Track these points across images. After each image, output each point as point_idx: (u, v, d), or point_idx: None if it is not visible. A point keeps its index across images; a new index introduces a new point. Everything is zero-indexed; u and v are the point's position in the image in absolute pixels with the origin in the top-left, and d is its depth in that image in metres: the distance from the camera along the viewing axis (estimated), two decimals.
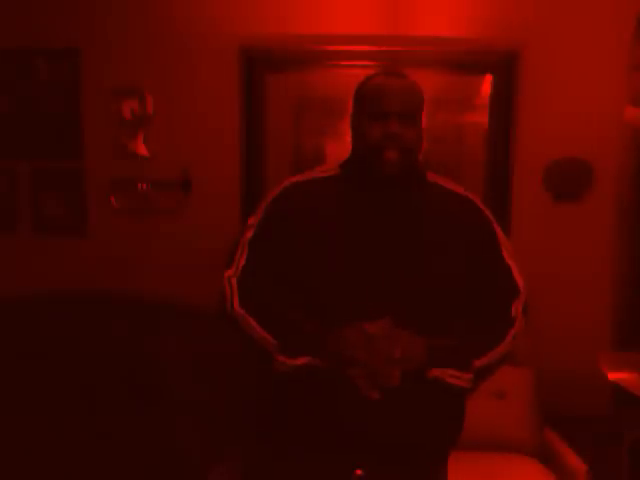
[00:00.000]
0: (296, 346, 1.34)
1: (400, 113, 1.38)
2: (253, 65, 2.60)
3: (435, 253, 1.40)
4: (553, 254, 2.61)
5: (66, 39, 2.61)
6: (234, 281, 1.41)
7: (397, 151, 1.38)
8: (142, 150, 2.63)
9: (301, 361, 1.33)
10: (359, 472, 1.36)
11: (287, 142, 2.66)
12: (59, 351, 2.29)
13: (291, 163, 2.65)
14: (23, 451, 2.18)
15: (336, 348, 1.31)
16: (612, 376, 2.12)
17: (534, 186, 2.60)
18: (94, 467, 2.12)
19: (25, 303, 2.47)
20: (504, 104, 2.60)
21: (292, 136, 2.66)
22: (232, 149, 2.63)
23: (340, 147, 2.59)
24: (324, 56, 2.57)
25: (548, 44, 2.52)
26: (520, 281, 1.47)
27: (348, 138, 1.50)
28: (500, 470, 2.21)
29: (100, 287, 2.54)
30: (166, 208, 2.64)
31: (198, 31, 2.56)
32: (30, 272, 2.67)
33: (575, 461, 2.20)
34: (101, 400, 2.22)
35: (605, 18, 2.50)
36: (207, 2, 2.57)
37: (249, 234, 1.45)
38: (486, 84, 2.61)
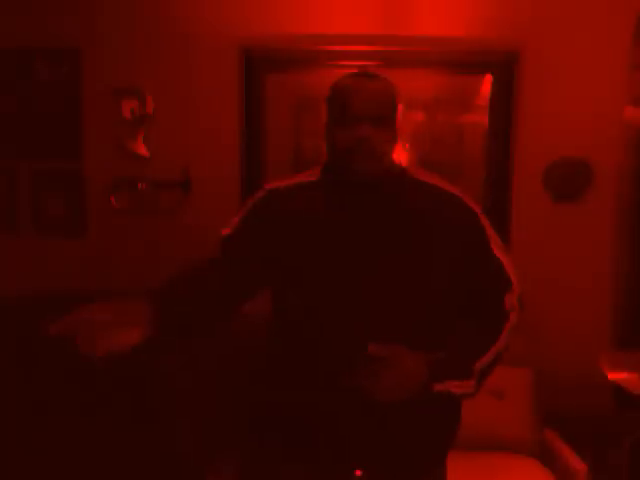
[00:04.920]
0: None
1: (372, 116, 1.32)
2: (253, 65, 2.60)
3: (421, 254, 1.36)
4: (553, 254, 2.61)
5: (66, 39, 2.61)
6: None
7: (367, 158, 1.32)
8: (142, 150, 2.63)
9: None
10: (359, 473, 1.35)
11: (287, 142, 2.66)
12: (59, 351, 2.29)
13: (291, 163, 2.65)
14: (23, 451, 2.18)
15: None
16: (612, 376, 2.12)
17: (534, 186, 2.60)
18: (94, 468, 2.12)
19: (25, 303, 2.47)
20: (504, 104, 2.60)
21: (292, 136, 2.66)
22: (232, 149, 2.63)
23: None
24: (324, 56, 2.57)
25: (548, 44, 2.52)
26: (512, 274, 1.42)
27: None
28: (500, 470, 2.21)
29: (100, 287, 2.54)
30: (166, 208, 2.64)
31: (198, 31, 2.57)
32: (30, 272, 2.67)
33: (575, 461, 2.19)
34: (101, 401, 2.22)
35: (605, 18, 2.50)
36: (207, 2, 2.57)
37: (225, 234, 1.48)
38: (486, 84, 2.61)
